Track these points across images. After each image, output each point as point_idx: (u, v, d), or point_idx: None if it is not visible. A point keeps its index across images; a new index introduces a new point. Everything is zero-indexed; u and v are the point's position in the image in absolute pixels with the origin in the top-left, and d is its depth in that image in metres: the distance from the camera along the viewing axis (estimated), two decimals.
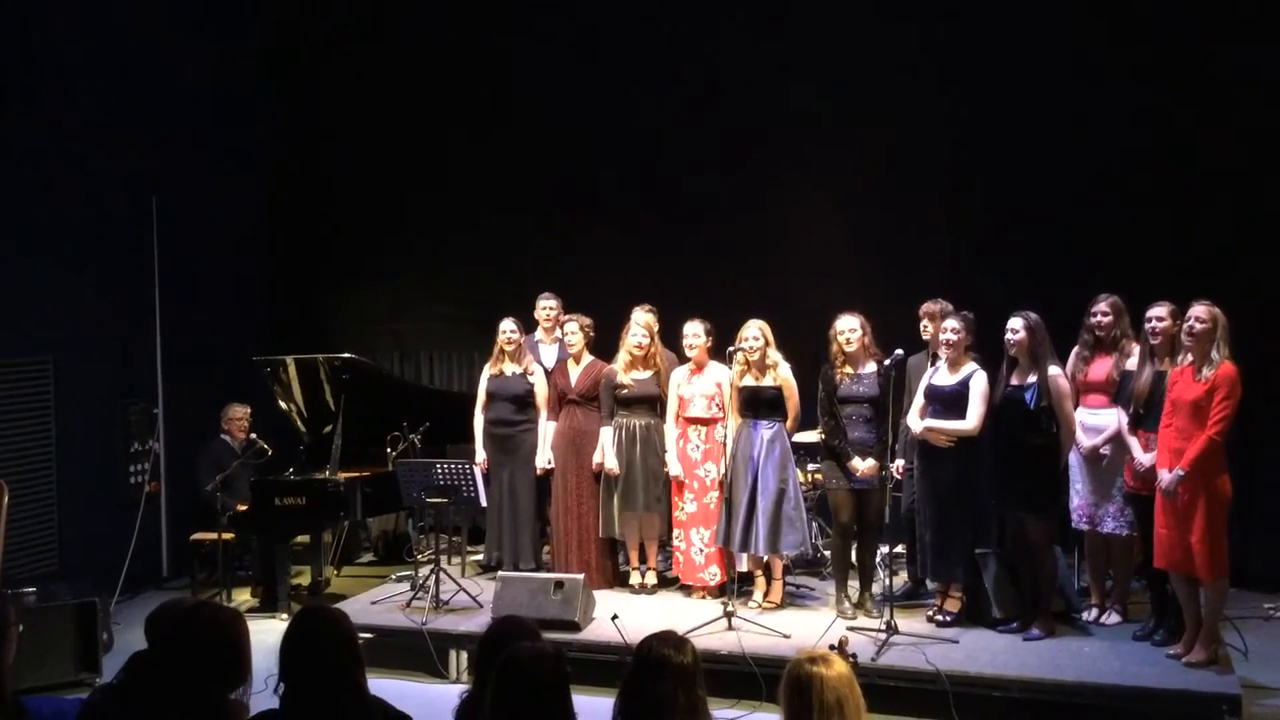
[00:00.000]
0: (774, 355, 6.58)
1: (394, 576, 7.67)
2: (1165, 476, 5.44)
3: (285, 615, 6.99)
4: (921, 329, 6.65)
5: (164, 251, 8.54)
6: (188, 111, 8.78)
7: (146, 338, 8.48)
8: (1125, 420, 5.94)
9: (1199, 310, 5.42)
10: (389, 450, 7.38)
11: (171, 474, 8.46)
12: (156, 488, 8.39)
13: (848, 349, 6.37)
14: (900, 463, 6.45)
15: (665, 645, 3.12)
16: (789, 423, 6.63)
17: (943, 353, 6.17)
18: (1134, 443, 5.88)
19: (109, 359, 8.12)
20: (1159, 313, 5.82)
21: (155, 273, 8.51)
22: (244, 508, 7.50)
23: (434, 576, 6.72)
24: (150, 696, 2.96)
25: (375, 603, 6.93)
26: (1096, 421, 6.12)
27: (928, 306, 6.63)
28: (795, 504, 6.47)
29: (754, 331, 6.54)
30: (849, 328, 6.38)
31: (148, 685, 2.99)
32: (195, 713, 2.94)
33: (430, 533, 7.65)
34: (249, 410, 8.17)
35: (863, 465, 6.30)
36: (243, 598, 7.78)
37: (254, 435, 7.96)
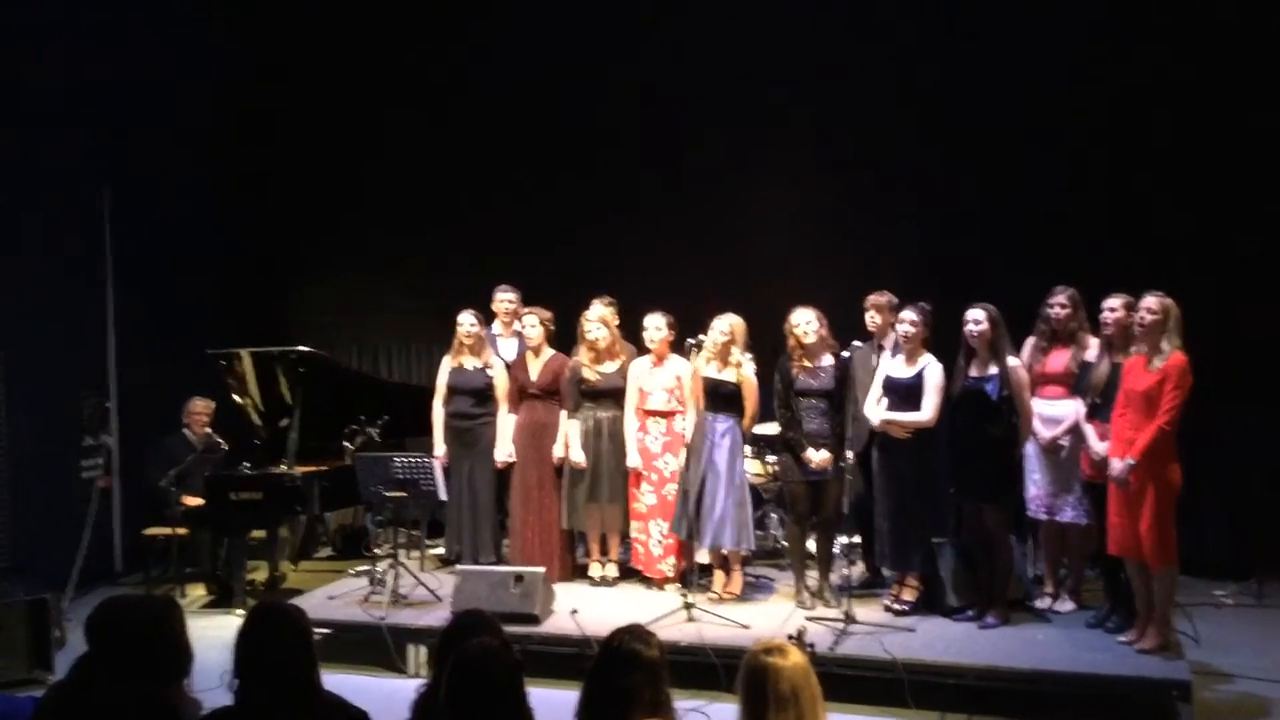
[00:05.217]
0: (739, 354, 6.59)
1: (352, 571, 7.61)
2: (1116, 465, 5.51)
3: (241, 611, 6.93)
4: (868, 320, 6.69)
5: (117, 243, 8.42)
6: (141, 102, 8.64)
7: (99, 330, 8.37)
8: (1083, 410, 6.01)
9: (1150, 301, 5.49)
10: (347, 444, 7.33)
11: (125, 469, 8.35)
12: (109, 483, 8.27)
13: (805, 341, 6.39)
14: (849, 454, 6.47)
15: (635, 640, 3.13)
16: (745, 420, 6.65)
17: (889, 344, 6.21)
18: (1089, 431, 5.95)
19: (60, 352, 7.98)
20: (1112, 304, 5.90)
21: (108, 264, 8.39)
22: (197, 502, 7.43)
23: (393, 571, 6.69)
24: (95, 697, 2.92)
25: (333, 598, 6.89)
26: (1054, 413, 6.18)
27: (874, 298, 6.68)
28: (739, 501, 6.50)
29: (723, 326, 6.55)
30: (805, 320, 6.39)
31: (91, 686, 2.96)
32: (143, 709, 2.91)
33: (389, 527, 7.60)
34: (212, 405, 8.06)
35: (816, 457, 6.33)
36: (197, 593, 7.71)
37: (210, 431, 7.89)
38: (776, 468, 7.37)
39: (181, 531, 7.47)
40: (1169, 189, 7.72)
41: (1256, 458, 7.44)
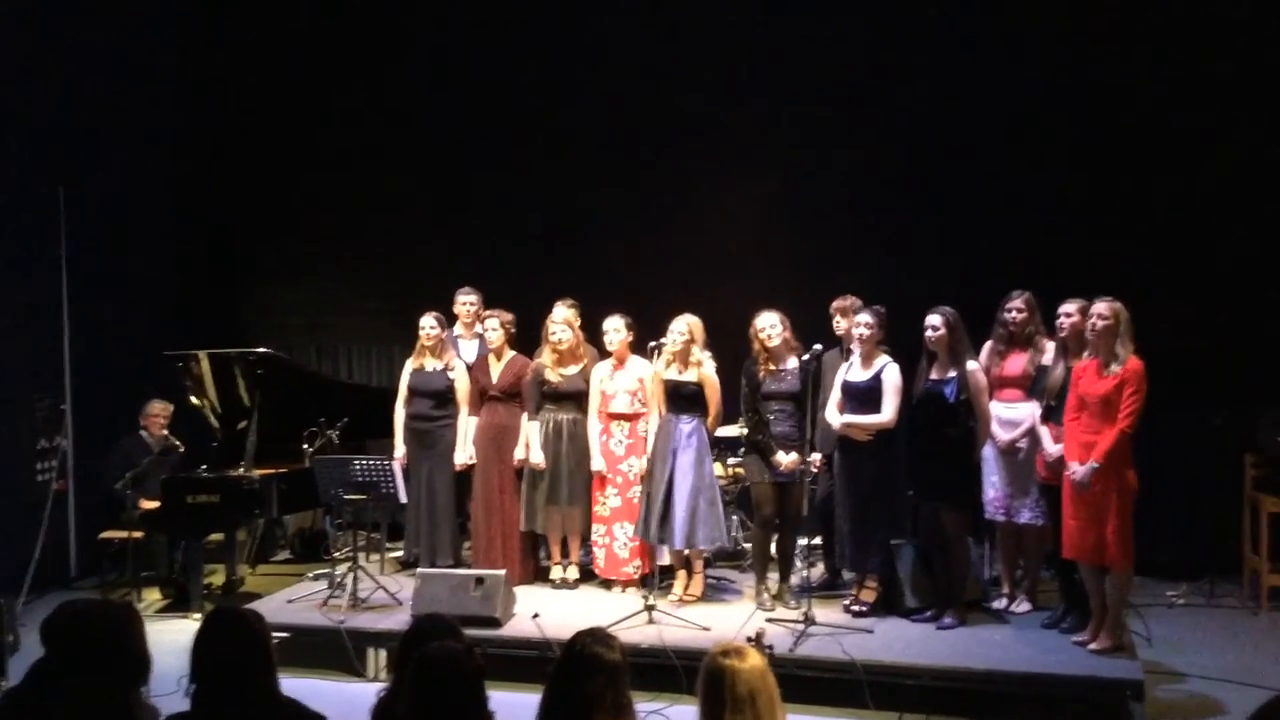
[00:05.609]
0: (699, 353, 6.62)
1: (311, 574, 7.57)
2: (1078, 469, 5.56)
3: (198, 615, 6.87)
4: (834, 325, 6.75)
5: (72, 243, 8.32)
6: (97, 100, 8.54)
7: (54, 332, 8.26)
8: (1039, 413, 6.09)
9: (1101, 307, 5.58)
10: (306, 446, 7.29)
11: (80, 472, 8.25)
12: (64, 486, 8.17)
13: (770, 345, 6.43)
14: (817, 456, 6.52)
15: (596, 643, 3.13)
16: (710, 419, 6.67)
17: (855, 348, 6.26)
18: (1044, 433, 6.03)
19: (15, 354, 7.88)
20: (1068, 309, 5.97)
21: (63, 265, 8.29)
22: (154, 505, 7.35)
23: (352, 574, 6.65)
24: (52, 704, 2.90)
25: (291, 601, 6.84)
26: (1012, 415, 6.25)
27: (838, 303, 6.74)
28: (711, 500, 6.52)
29: (681, 326, 6.57)
30: (769, 324, 6.44)
31: (48, 692, 2.93)
32: (100, 716, 2.88)
33: (348, 530, 7.56)
34: (170, 407, 7.97)
35: (786, 459, 6.36)
36: (153, 597, 7.63)
37: (167, 433, 7.81)
38: (738, 469, 7.41)
39: (137, 535, 7.39)
40: (1122, 195, 7.84)
41: (1207, 459, 7.55)
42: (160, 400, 7.96)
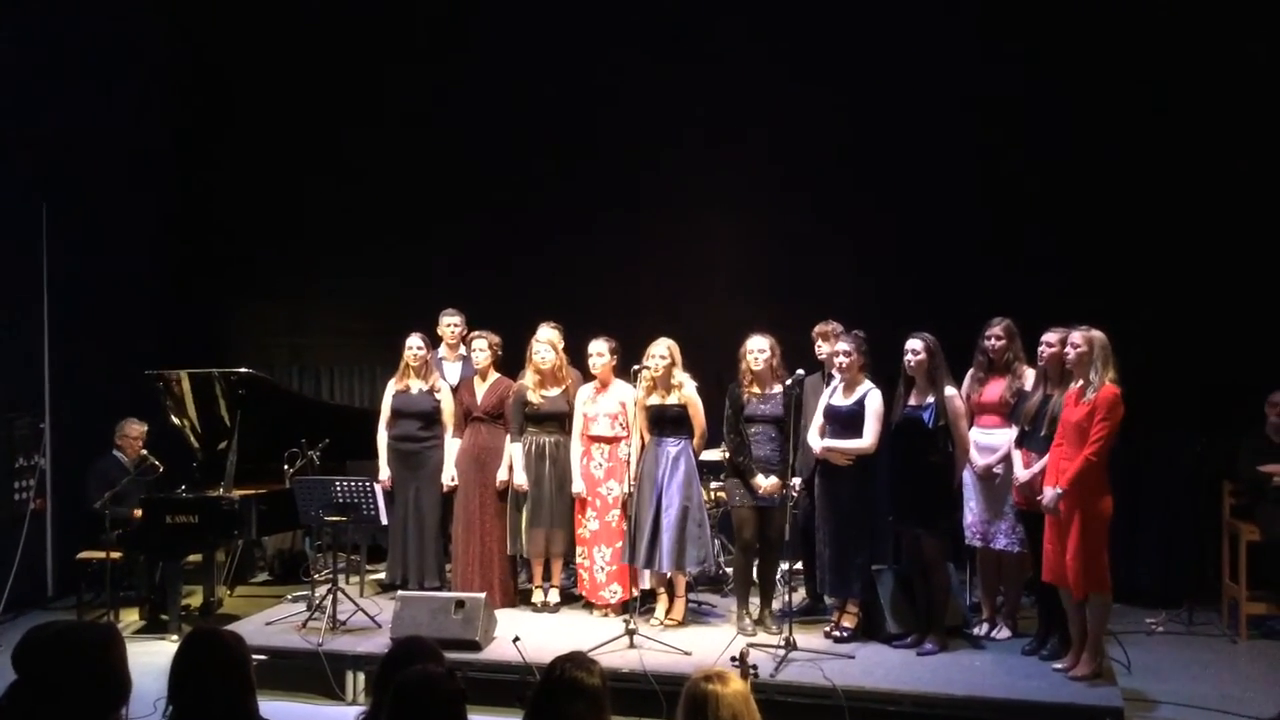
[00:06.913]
0: (680, 375, 6.63)
1: (290, 597, 7.52)
2: (1048, 493, 5.63)
3: (176, 636, 6.81)
4: (815, 349, 6.77)
5: (53, 261, 8.28)
6: (81, 117, 8.52)
7: (34, 350, 8.21)
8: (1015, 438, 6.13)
9: (1075, 336, 5.64)
10: (286, 467, 7.25)
11: (58, 491, 8.19)
12: (42, 505, 8.11)
13: (755, 368, 6.45)
14: (797, 480, 6.52)
15: (577, 667, 3.11)
16: (695, 440, 6.69)
17: (837, 374, 6.29)
18: (1016, 458, 6.07)
19: None
20: (1049, 339, 6.01)
21: (44, 283, 8.25)
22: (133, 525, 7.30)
23: (331, 596, 6.61)
24: None
25: (270, 623, 6.80)
26: (990, 441, 6.29)
27: (820, 327, 6.79)
28: (699, 521, 6.53)
29: (661, 350, 6.59)
30: (759, 348, 6.46)
31: (26, 713, 2.89)
32: None
33: (328, 551, 7.52)
34: (144, 427, 7.93)
35: (766, 483, 6.37)
36: (131, 618, 7.56)
37: (145, 452, 7.77)
38: (720, 493, 7.42)
39: (115, 555, 7.33)
40: (1105, 225, 7.90)
41: (1186, 487, 7.59)
42: (135, 421, 7.91)
